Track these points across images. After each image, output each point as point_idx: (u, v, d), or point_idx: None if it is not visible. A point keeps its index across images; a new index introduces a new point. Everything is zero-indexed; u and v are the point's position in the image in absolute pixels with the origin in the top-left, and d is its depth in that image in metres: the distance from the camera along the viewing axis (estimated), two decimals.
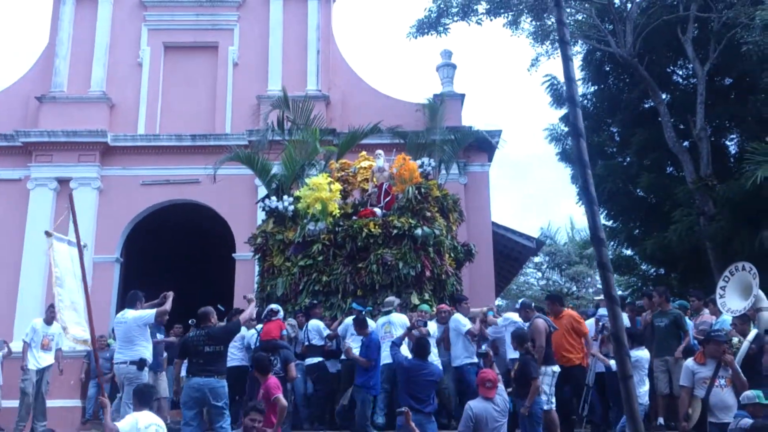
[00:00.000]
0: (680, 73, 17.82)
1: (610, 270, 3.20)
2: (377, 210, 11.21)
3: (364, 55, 55.53)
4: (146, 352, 8.62)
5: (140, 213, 14.95)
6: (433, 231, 10.78)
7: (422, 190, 11.33)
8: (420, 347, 7.86)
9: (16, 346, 11.31)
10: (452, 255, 11.61)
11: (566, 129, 17.93)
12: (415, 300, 10.28)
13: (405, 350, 8.69)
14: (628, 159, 17.53)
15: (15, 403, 10.01)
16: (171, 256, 17.02)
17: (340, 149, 12.91)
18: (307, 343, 9.70)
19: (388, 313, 9.45)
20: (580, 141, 3.31)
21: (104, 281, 14.35)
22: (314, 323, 9.82)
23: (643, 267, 18.62)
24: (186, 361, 8.13)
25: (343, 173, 12.05)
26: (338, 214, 11.06)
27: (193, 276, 17.56)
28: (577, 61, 17.23)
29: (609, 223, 17.65)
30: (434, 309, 10.22)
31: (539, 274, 32.72)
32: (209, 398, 7.55)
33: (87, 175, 14.82)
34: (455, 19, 16.22)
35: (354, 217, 11.14)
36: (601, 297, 10.72)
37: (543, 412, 7.88)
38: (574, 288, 28.91)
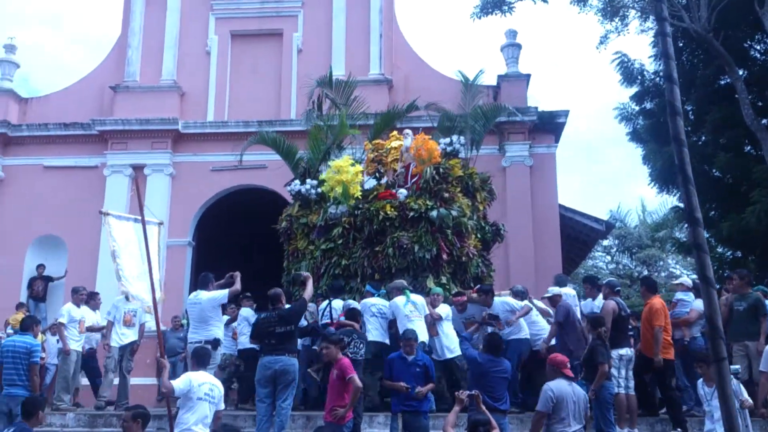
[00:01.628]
0: (758, 48, 17.06)
1: (707, 251, 3.14)
2: (403, 191, 10.92)
3: (427, 37, 55.27)
4: (219, 332, 8.91)
5: (210, 198, 15.36)
6: (449, 212, 10.42)
7: (441, 170, 11.00)
8: (492, 343, 7.71)
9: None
10: (479, 236, 11.23)
11: (637, 108, 17.45)
12: (430, 284, 10.03)
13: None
14: (704, 138, 16.92)
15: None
16: (240, 240, 17.40)
17: (376, 129, 12.53)
18: (328, 320, 9.51)
19: (398, 294, 9.24)
20: (677, 119, 3.26)
21: (177, 264, 14.82)
22: (340, 303, 9.70)
23: (719, 250, 18.00)
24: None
25: (376, 154, 11.75)
26: (360, 197, 10.83)
27: (262, 258, 17.93)
28: (648, 38, 16.70)
29: (683, 205, 17.09)
30: (452, 293, 10.00)
31: (608, 257, 31.99)
32: (279, 375, 7.74)
33: (160, 161, 15.32)
34: None
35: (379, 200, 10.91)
36: (678, 282, 10.46)
37: (614, 396, 7.79)
38: (645, 272, 28.14)
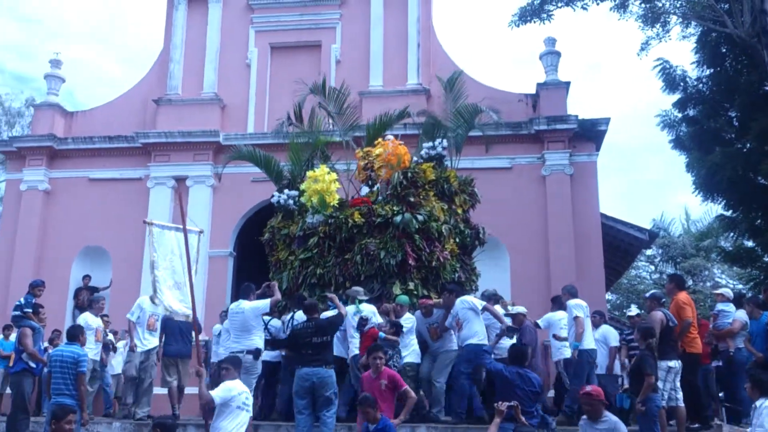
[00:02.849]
0: None
1: None
2: (382, 197, 10.83)
3: (466, 46, 55.19)
4: (260, 342, 8.96)
5: (251, 209, 15.51)
6: (413, 217, 10.28)
7: (409, 174, 10.88)
8: (516, 354, 7.57)
9: None
10: (457, 240, 11.01)
11: (680, 115, 17.15)
12: (397, 290, 9.93)
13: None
14: (748, 145, 16.54)
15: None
16: None
17: (369, 137, 12.29)
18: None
19: (353, 302, 9.18)
20: None
21: (219, 274, 15.01)
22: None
23: (766, 259, 17.57)
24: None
25: (366, 161, 11.56)
26: (337, 205, 10.78)
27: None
28: (690, 44, 16.40)
29: (728, 213, 16.75)
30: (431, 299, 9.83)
31: (652, 267, 31.42)
32: (318, 387, 7.77)
33: (201, 173, 15.56)
34: (559, 5, 15.77)
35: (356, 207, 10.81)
36: (718, 293, 10.28)
37: (659, 409, 7.65)
38: (690, 282, 27.53)
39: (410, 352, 9.16)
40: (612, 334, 10.39)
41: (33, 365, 9.40)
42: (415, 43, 15.92)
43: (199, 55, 16.45)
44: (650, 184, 55.09)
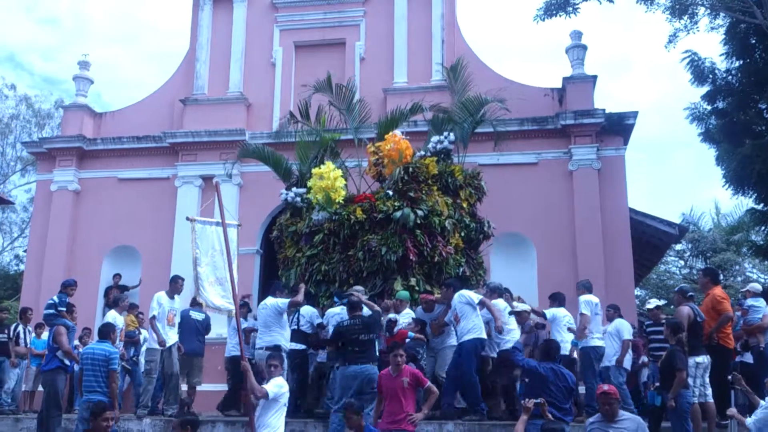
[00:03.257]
0: None
1: None
2: (389, 192, 10.84)
3: (491, 42, 54.88)
4: (282, 339, 9.04)
5: (277, 206, 15.56)
6: (413, 212, 10.25)
7: (411, 169, 10.83)
8: (548, 349, 7.51)
9: None
10: (463, 234, 10.92)
11: (709, 107, 16.91)
12: (398, 286, 9.93)
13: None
14: None
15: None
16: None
17: (380, 132, 12.22)
18: (295, 327, 9.50)
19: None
20: None
21: (246, 272, 15.00)
22: (308, 309, 9.61)
23: None
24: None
25: (377, 157, 11.55)
26: (342, 202, 10.79)
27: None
28: (719, 35, 16.13)
29: (759, 207, 16.47)
30: (435, 295, 9.80)
31: (681, 262, 31.00)
32: (365, 384, 7.88)
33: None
34: None
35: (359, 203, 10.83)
36: (746, 289, 10.15)
37: (691, 405, 7.57)
38: (721, 277, 27.10)
39: None
40: (625, 327, 10.25)
41: (67, 363, 9.55)
42: (440, 40, 15.86)
43: (225, 54, 16.55)
44: (679, 178, 54.40)
